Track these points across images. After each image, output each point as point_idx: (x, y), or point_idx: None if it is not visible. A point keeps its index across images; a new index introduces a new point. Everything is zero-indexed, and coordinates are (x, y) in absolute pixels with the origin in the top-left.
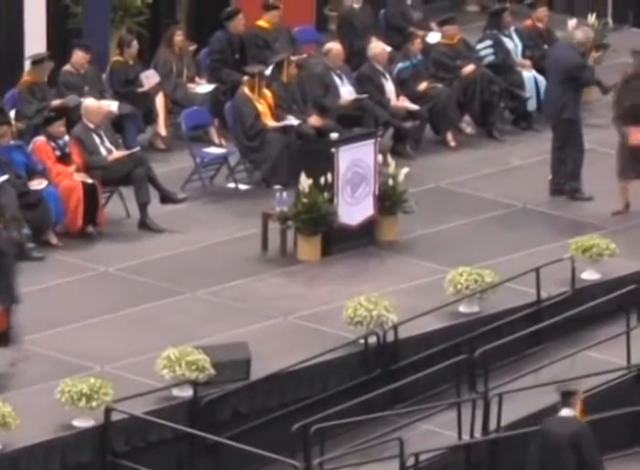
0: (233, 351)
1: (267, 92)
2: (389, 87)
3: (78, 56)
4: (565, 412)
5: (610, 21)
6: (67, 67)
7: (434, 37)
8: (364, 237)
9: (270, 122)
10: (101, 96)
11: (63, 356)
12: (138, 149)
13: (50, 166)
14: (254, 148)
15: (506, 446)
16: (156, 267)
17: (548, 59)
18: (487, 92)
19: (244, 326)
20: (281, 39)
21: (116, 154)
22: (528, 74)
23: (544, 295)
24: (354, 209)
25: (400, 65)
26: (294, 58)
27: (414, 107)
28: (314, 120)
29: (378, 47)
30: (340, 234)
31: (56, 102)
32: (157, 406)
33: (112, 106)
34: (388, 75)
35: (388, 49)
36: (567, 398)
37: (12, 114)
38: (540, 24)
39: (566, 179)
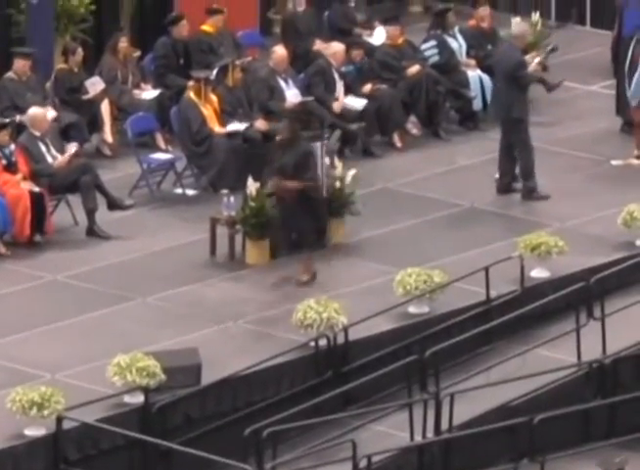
0: (183, 356)
1: (213, 97)
2: (340, 87)
3: (19, 64)
4: None
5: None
6: (9, 74)
7: (379, 36)
8: None
9: (217, 129)
10: (44, 103)
11: (13, 365)
12: (76, 146)
13: None
14: (201, 153)
15: (458, 445)
16: (104, 274)
17: (493, 58)
18: (433, 92)
19: (194, 331)
20: (225, 43)
21: (61, 158)
22: (473, 74)
23: (493, 294)
24: None
25: (343, 68)
26: (238, 62)
27: (357, 105)
28: (260, 124)
29: (338, 46)
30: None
31: None
32: (108, 413)
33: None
34: (340, 75)
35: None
36: None
37: None
38: (484, 24)
39: (517, 179)
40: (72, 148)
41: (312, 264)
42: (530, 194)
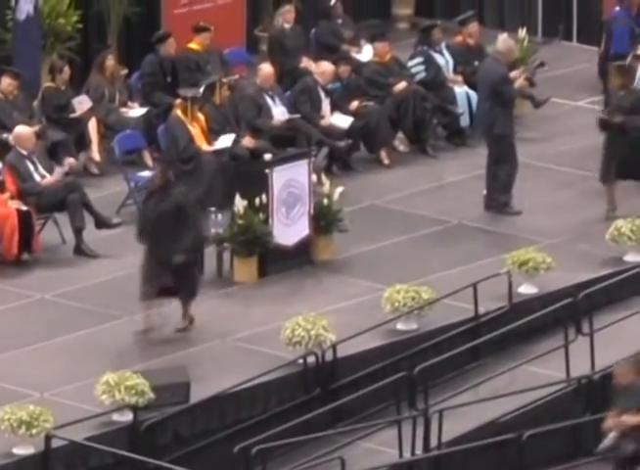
0: (172, 374)
1: (200, 115)
2: (326, 105)
3: (5, 82)
4: None
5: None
6: None
7: (366, 54)
8: (300, 257)
9: (204, 147)
10: (31, 122)
11: (1, 384)
12: (66, 168)
13: None
14: (188, 171)
15: (448, 462)
16: (92, 293)
17: (477, 75)
18: (420, 109)
19: (182, 349)
20: (212, 61)
21: (50, 178)
22: (460, 90)
23: (482, 310)
24: (290, 229)
25: (330, 85)
26: (225, 80)
27: (343, 124)
28: (247, 142)
29: (327, 66)
30: (276, 255)
31: None
32: (97, 432)
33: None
34: (326, 93)
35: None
36: None
37: None
38: (471, 40)
39: (497, 193)
40: (66, 166)
41: (149, 317)
42: (503, 208)
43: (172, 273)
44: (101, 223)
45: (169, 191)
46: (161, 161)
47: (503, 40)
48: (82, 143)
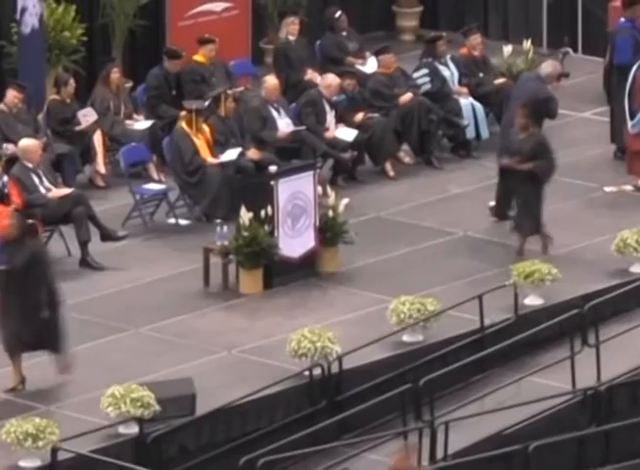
0: (178, 386)
1: (205, 127)
2: (331, 118)
3: (11, 95)
4: None
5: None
6: (0, 106)
7: (371, 66)
8: (306, 269)
9: (210, 159)
10: (35, 135)
11: (7, 397)
12: (72, 190)
13: None
14: (194, 183)
15: None
16: (98, 305)
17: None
18: (425, 121)
19: (188, 361)
20: (217, 73)
21: (55, 191)
22: (466, 102)
23: (487, 322)
24: (295, 241)
25: (335, 98)
26: (230, 92)
27: (348, 137)
28: (252, 154)
29: (333, 79)
30: (281, 267)
31: None
32: (103, 444)
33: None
34: (331, 106)
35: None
36: None
37: None
38: (475, 52)
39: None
40: (69, 189)
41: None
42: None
43: (34, 328)
44: (106, 236)
45: (23, 243)
46: (17, 212)
47: (550, 64)
48: (88, 156)
